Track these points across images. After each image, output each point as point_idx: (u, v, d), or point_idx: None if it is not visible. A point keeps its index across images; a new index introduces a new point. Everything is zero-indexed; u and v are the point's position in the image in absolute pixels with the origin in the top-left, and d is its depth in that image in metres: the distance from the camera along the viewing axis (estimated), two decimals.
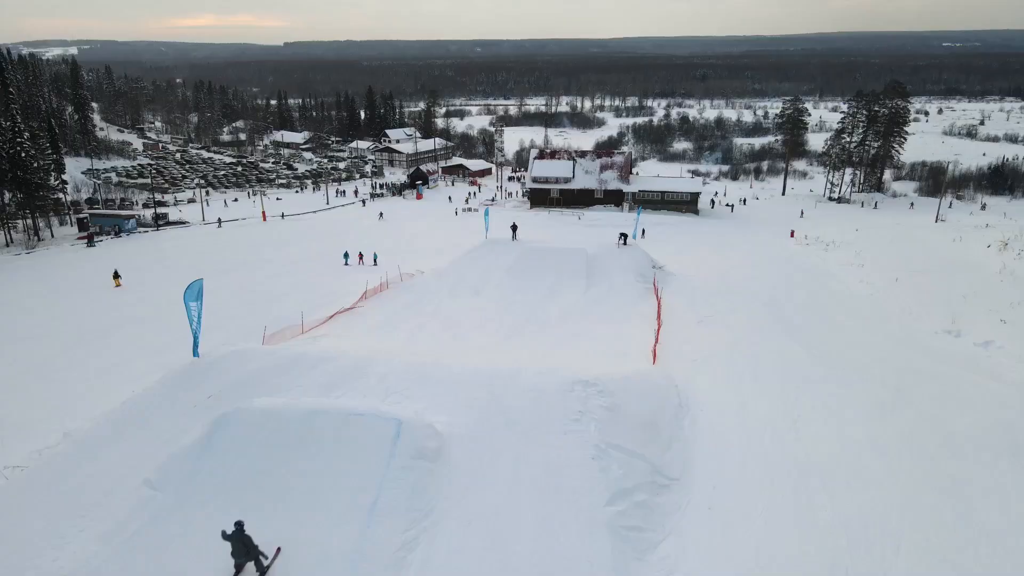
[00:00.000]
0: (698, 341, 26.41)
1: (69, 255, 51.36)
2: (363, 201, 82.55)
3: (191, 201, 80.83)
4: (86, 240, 54.63)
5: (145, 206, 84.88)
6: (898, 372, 22.56)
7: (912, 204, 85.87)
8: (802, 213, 77.76)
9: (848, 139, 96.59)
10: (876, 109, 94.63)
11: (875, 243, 51.68)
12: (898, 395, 19.83)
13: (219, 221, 64.47)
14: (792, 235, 59.59)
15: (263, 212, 67.93)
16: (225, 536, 11.39)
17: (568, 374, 16.00)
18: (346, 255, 45.78)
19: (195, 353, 18.73)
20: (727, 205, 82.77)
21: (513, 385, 15.13)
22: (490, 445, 13.01)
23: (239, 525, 11.36)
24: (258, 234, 59.52)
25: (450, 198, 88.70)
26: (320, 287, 38.23)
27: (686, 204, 75.43)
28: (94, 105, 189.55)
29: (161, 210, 67.14)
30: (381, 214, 73.22)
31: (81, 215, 60.69)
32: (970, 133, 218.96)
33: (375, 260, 45.34)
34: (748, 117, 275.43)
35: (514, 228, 41.84)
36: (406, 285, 35.65)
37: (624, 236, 40.46)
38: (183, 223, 63.15)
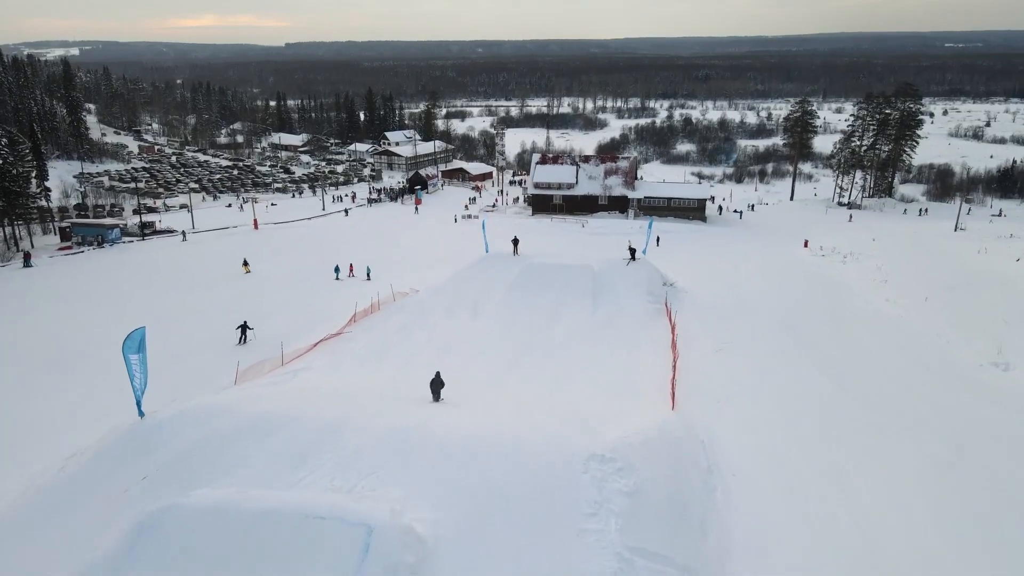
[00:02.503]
0: (718, 375, 23.91)
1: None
2: (346, 211, 77.82)
3: (183, 207, 78.28)
4: (23, 259, 47.00)
5: (135, 212, 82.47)
6: (949, 417, 20.03)
7: (926, 210, 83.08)
8: (850, 217, 76.08)
9: (858, 143, 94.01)
10: (887, 112, 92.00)
11: (895, 254, 49.08)
12: (959, 452, 17.24)
13: (183, 234, 58.70)
14: (806, 245, 57.02)
15: (255, 220, 65.27)
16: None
17: (580, 446, 13.49)
18: (337, 269, 43.27)
19: (139, 413, 16.24)
20: (735, 211, 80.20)
21: (514, 462, 12.60)
22: (485, 554, 10.46)
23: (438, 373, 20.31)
24: (248, 244, 56.83)
25: (464, 203, 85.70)
26: (309, 305, 35.79)
27: (693, 211, 72.87)
28: (91, 107, 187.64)
29: (148, 218, 64.56)
30: (417, 208, 79.35)
31: (63, 224, 58.03)
32: (976, 135, 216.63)
33: (368, 274, 42.85)
34: (752, 118, 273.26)
35: (515, 242, 39.34)
36: (399, 305, 33.16)
37: (632, 251, 37.93)
38: (171, 232, 60.53)
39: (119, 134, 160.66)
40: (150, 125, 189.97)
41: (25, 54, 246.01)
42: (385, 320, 30.85)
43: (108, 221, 58.34)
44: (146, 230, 58.91)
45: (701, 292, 37.10)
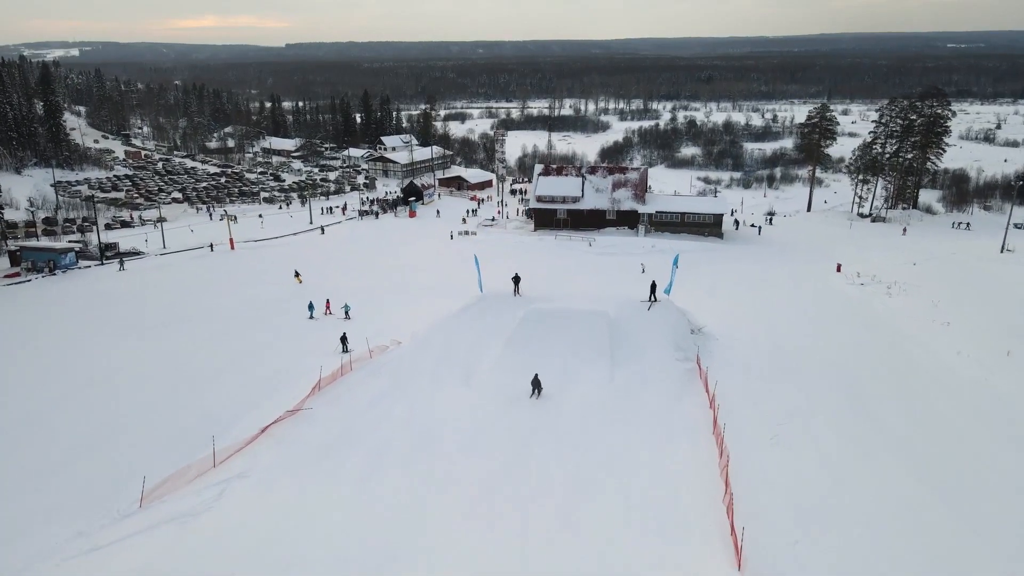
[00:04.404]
0: (782, 484, 18.27)
1: None
2: (321, 228, 71.08)
3: (161, 221, 72.61)
4: None
5: (108, 227, 76.83)
6: None
7: (967, 224, 77.25)
8: (904, 231, 71.38)
9: (881, 150, 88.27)
10: (912, 117, 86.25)
11: (946, 284, 43.42)
12: None
13: (120, 262, 50.85)
14: (839, 269, 51.33)
15: (231, 240, 59.30)
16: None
17: None
18: (311, 307, 37.52)
19: None
20: (752, 226, 74.49)
21: None
22: None
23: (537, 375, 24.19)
24: (218, 269, 50.93)
25: (462, 216, 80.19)
26: (271, 359, 30.05)
27: (709, 227, 67.14)
28: (80, 110, 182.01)
29: (113, 237, 58.70)
30: (437, 212, 79.42)
31: (13, 247, 51.85)
32: (987, 137, 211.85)
33: (346, 312, 37.13)
34: (756, 120, 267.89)
35: (516, 280, 33.60)
36: (375, 365, 27.45)
37: (653, 290, 32.20)
38: (137, 254, 54.69)
39: (107, 138, 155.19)
40: (140, 129, 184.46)
41: (20, 55, 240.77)
42: (356, 388, 25.17)
43: (60, 245, 52.19)
44: (108, 253, 52.91)
45: (735, 340, 31.46)
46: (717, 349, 30.02)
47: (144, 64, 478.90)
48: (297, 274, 46.90)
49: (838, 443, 20.86)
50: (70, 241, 55.37)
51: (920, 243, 63.41)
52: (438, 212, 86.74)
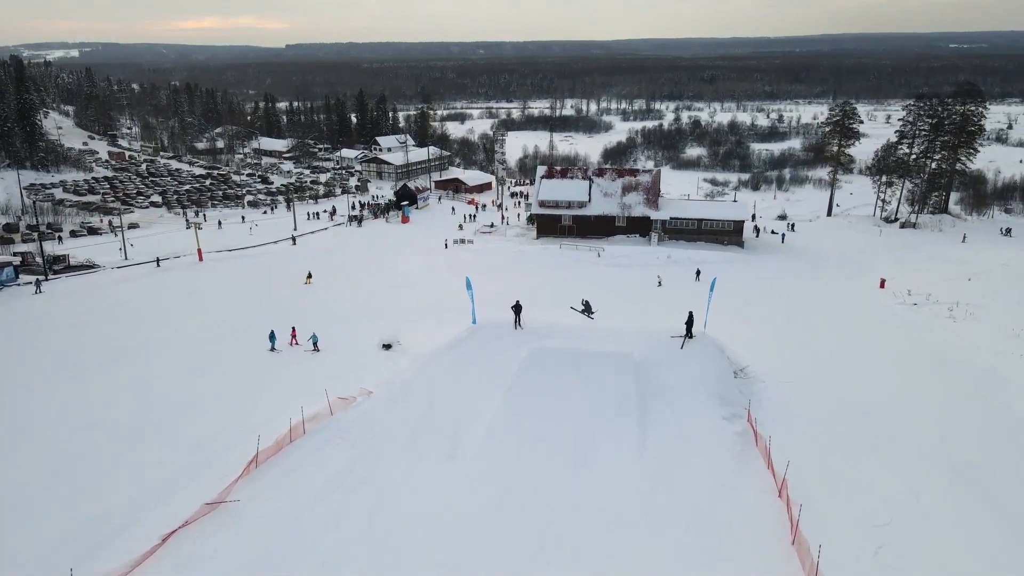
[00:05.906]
0: None
1: None
2: (293, 239, 64.21)
3: (132, 227, 66.40)
4: None
5: (73, 234, 71.01)
6: None
7: (1009, 230, 70.75)
8: (964, 238, 64.75)
9: (907, 150, 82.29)
10: (943, 116, 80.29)
11: (1016, 305, 37.39)
12: None
13: (36, 283, 42.50)
14: (883, 285, 45.32)
15: (199, 251, 53.19)
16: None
17: None
18: (272, 336, 31.50)
19: None
20: (774, 232, 68.46)
21: None
22: None
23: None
24: (173, 288, 44.36)
25: (459, 223, 74.39)
26: (210, 413, 23.90)
27: (728, 235, 61.09)
28: (69, 110, 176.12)
29: (59, 251, 52.41)
30: (460, 225, 70.92)
31: None
32: (1000, 138, 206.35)
33: (314, 343, 31.13)
34: (762, 120, 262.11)
35: (517, 310, 27.52)
36: (336, 427, 21.33)
37: (691, 325, 26.03)
38: (90, 267, 48.61)
39: (94, 139, 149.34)
40: (130, 129, 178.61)
41: (11, 55, 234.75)
42: (305, 463, 19.07)
43: None
44: (56, 266, 46.88)
45: (785, 385, 25.45)
46: (768, 398, 24.01)
47: (144, 65, 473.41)
48: (309, 276, 46.02)
49: (979, 569, 14.76)
50: (15, 253, 49.26)
51: (962, 252, 57.27)
52: (452, 210, 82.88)
